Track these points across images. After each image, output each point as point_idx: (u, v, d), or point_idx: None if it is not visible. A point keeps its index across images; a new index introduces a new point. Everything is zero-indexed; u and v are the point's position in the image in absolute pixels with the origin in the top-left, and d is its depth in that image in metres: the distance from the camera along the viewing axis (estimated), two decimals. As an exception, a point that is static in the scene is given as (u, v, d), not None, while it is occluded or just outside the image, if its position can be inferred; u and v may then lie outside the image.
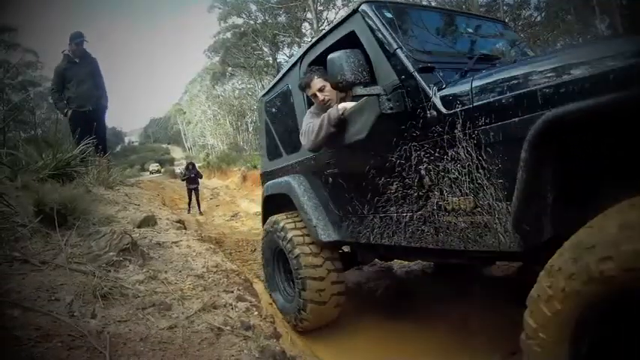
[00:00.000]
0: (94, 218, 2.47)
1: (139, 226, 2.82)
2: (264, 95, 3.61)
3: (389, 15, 2.04)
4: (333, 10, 23.27)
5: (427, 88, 1.71)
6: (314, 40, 2.72)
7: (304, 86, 2.55)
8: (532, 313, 1.16)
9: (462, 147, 1.56)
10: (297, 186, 2.79)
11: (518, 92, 1.38)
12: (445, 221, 1.71)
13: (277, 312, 3.14)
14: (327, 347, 2.77)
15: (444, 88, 1.70)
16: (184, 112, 55.79)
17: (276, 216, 3.05)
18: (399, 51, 1.87)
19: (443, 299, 2.93)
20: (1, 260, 1.64)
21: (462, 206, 1.61)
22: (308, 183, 2.77)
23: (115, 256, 1.92)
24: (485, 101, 1.49)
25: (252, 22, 24.86)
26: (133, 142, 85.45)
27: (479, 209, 1.55)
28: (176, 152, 68.09)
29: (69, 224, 2.17)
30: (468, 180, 1.57)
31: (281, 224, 2.87)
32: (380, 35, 1.97)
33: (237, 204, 13.59)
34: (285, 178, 2.99)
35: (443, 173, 1.68)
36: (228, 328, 1.64)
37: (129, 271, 1.88)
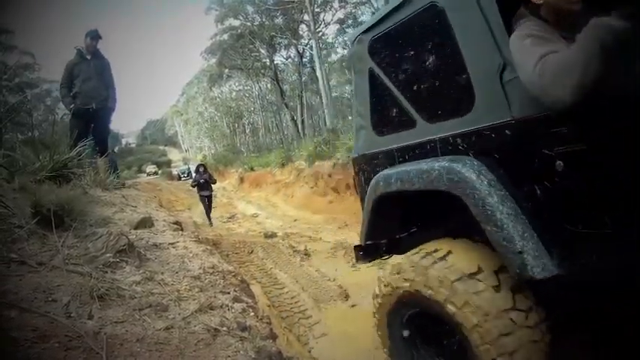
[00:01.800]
0: (90, 220, 2.47)
1: (135, 228, 2.82)
2: (366, 31, 2.30)
3: None
4: (330, 12, 23.31)
5: None
6: None
7: None
8: None
9: None
10: (475, 176, 1.60)
11: None
12: None
13: (274, 313, 3.14)
14: None
15: None
16: (181, 114, 55.83)
17: (414, 257, 1.85)
18: None
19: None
20: (-2, 262, 1.64)
21: None
22: (493, 172, 1.60)
23: (112, 258, 1.92)
24: None
25: (249, 23, 24.85)
26: (130, 144, 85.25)
27: None
28: (173, 154, 68.01)
29: (66, 226, 2.17)
30: None
31: (441, 276, 1.68)
32: None
33: (235, 206, 13.61)
34: (439, 163, 1.76)
35: None
36: (224, 329, 1.64)
37: (125, 272, 1.89)
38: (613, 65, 1.18)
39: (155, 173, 45.54)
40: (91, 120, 5.06)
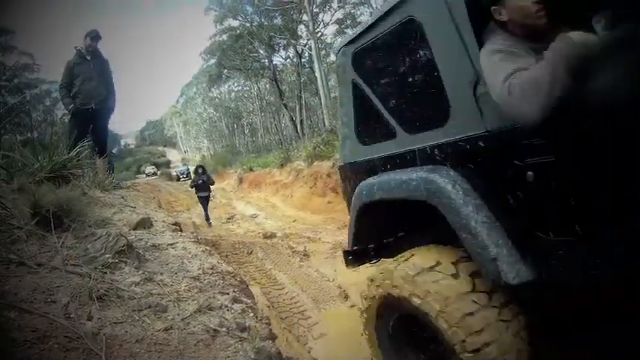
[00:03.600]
0: (89, 220, 2.47)
1: (134, 229, 2.82)
2: (349, 43, 2.35)
3: None
4: (329, 12, 23.34)
5: None
6: None
7: None
8: None
9: None
10: (451, 187, 1.65)
11: None
12: None
13: (273, 313, 3.14)
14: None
15: None
16: (180, 115, 55.87)
17: (401, 264, 1.88)
18: None
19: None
20: (-3, 263, 1.64)
21: None
22: (468, 182, 1.64)
23: (111, 258, 1.92)
24: None
25: (248, 24, 24.88)
26: (129, 145, 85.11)
27: None
28: (172, 155, 67.97)
29: (65, 226, 2.17)
30: None
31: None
32: None
33: (234, 206, 13.60)
34: (418, 173, 1.82)
35: None
36: (223, 329, 1.64)
37: (125, 273, 1.89)
38: (578, 80, 1.20)
39: (154, 174, 45.45)
40: (91, 120, 5.06)
